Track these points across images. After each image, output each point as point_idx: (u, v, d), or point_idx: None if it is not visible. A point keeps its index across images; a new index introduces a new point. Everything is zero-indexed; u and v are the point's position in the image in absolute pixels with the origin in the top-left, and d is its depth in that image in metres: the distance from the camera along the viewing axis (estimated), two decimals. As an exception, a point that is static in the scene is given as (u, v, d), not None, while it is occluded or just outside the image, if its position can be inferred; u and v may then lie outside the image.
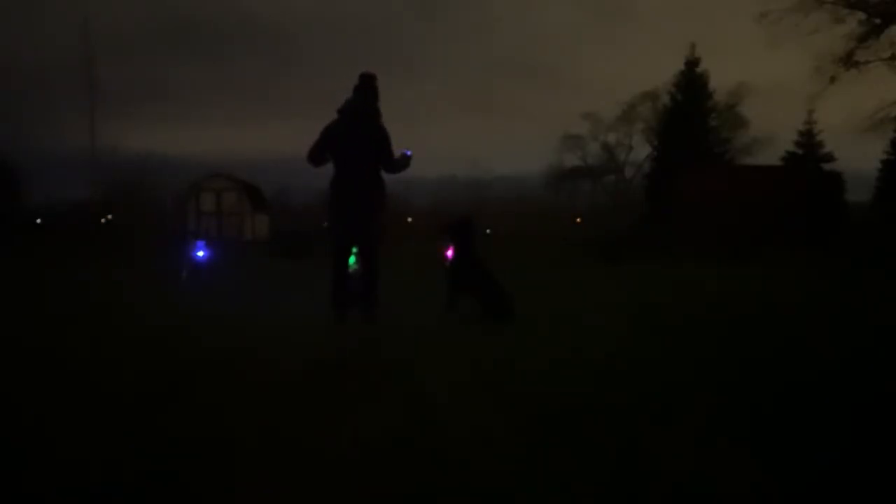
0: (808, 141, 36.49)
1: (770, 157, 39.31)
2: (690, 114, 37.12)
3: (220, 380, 3.52)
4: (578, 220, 43.67)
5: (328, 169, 5.42)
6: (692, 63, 37.95)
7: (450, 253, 5.76)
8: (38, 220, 35.44)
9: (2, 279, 10.87)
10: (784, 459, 2.35)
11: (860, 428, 2.74)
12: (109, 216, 37.57)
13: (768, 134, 39.35)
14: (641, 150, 44.30)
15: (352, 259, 5.59)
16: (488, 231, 37.83)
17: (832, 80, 21.68)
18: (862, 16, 21.11)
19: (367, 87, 5.31)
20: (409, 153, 5.41)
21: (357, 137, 5.26)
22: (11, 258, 15.95)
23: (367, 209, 5.31)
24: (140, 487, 2.11)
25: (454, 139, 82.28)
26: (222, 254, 11.15)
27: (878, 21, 21.05)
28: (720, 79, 50.04)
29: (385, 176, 5.45)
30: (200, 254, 9.88)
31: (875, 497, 2.12)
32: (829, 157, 35.52)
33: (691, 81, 37.93)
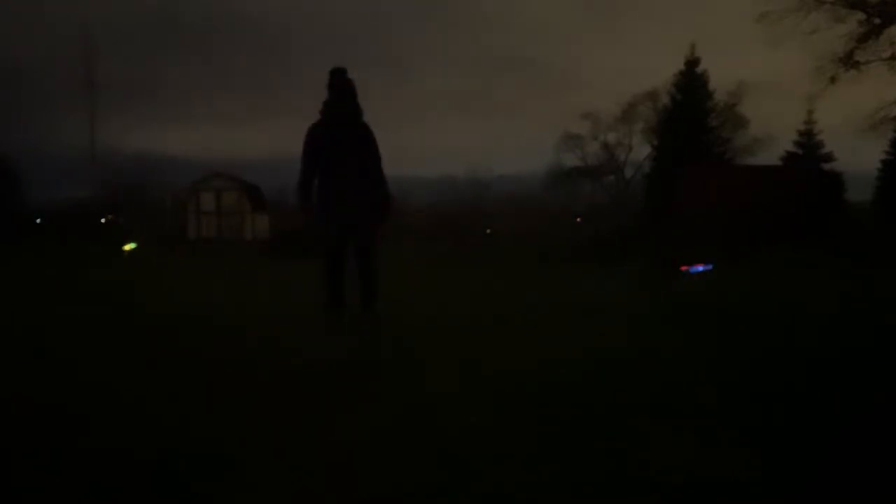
0: (808, 141, 36.45)
1: (770, 157, 39.26)
2: (690, 114, 37.08)
3: (219, 380, 3.52)
4: (578, 219, 43.61)
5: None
6: (692, 63, 37.92)
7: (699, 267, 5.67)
8: (38, 220, 35.42)
9: (1, 278, 10.87)
10: (784, 457, 2.35)
11: (861, 426, 2.74)
12: (109, 216, 37.57)
13: (768, 134, 39.31)
14: (641, 150, 44.27)
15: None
16: (489, 231, 37.77)
17: (832, 80, 21.68)
18: (862, 16, 21.10)
19: (343, 84, 5.18)
20: None
21: (344, 138, 5.20)
22: (11, 258, 15.94)
23: (361, 209, 5.25)
24: (138, 486, 2.12)
25: (454, 139, 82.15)
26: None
27: (878, 21, 21.03)
28: (720, 78, 49.94)
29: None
30: None
31: (876, 494, 2.12)
32: (829, 157, 35.50)
33: (691, 81, 37.89)
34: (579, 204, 46.10)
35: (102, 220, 36.13)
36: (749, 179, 26.39)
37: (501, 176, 48.59)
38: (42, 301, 7.53)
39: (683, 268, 9.77)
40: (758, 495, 2.08)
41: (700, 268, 10.01)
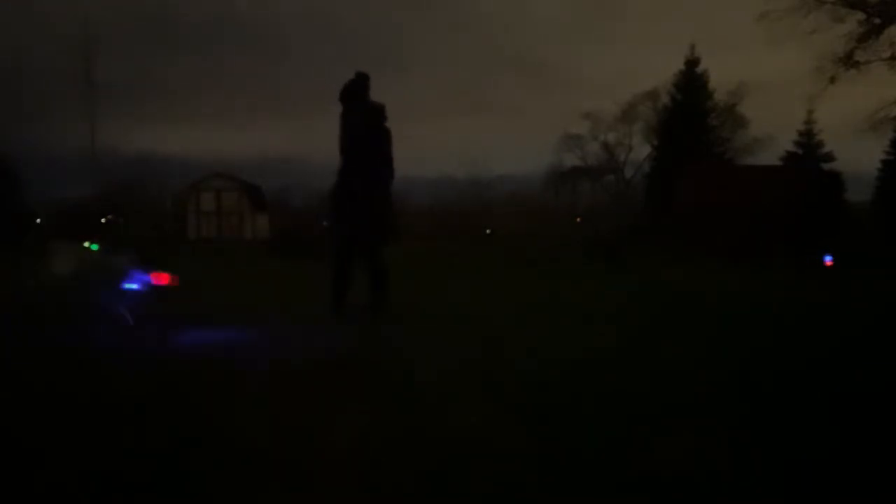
0: (808, 141, 36.51)
1: (770, 157, 39.34)
2: (690, 114, 37.11)
3: (218, 379, 3.52)
4: (578, 219, 43.65)
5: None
6: (692, 63, 37.97)
7: None
8: (38, 220, 35.46)
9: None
10: (784, 457, 2.36)
11: (860, 425, 2.74)
12: (109, 216, 37.62)
13: (768, 134, 39.36)
14: (641, 150, 44.32)
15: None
16: (488, 231, 37.80)
17: (832, 80, 21.69)
18: (862, 16, 21.11)
19: (351, 89, 5.25)
20: None
21: (358, 139, 5.23)
22: (12, 257, 15.93)
23: (373, 207, 5.25)
24: (137, 486, 2.12)
25: (454, 139, 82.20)
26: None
27: (877, 21, 21.03)
28: (720, 78, 49.94)
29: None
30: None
31: (873, 493, 2.12)
32: (829, 157, 35.55)
33: (691, 81, 37.93)
34: (579, 204, 46.16)
35: (102, 220, 36.16)
36: (749, 179, 26.38)
37: (501, 176, 48.68)
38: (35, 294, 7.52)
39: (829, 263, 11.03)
40: (758, 495, 2.08)
41: (828, 257, 10.95)
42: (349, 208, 5.24)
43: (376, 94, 5.33)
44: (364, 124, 5.25)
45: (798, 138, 36.63)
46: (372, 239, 5.29)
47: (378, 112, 5.30)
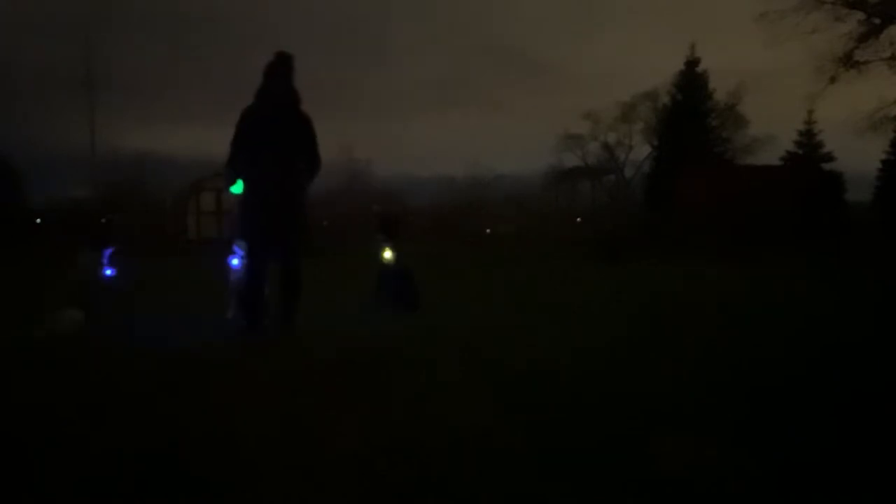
0: (808, 141, 36.48)
1: (770, 157, 39.26)
2: (690, 114, 37.08)
3: (218, 380, 3.53)
4: (578, 219, 43.61)
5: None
6: (692, 63, 37.94)
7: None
8: (39, 220, 35.44)
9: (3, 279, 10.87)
10: (783, 457, 2.36)
11: (854, 425, 2.75)
12: (109, 216, 37.58)
13: (768, 134, 39.32)
14: (641, 150, 44.26)
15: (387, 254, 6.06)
16: (488, 231, 37.78)
17: (832, 80, 21.67)
18: (862, 16, 21.10)
19: (288, 69, 4.77)
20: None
21: (283, 126, 4.75)
22: (13, 259, 15.93)
23: (293, 207, 4.81)
24: (138, 485, 2.12)
25: (453, 138, 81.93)
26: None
27: (877, 21, 21.03)
28: (720, 78, 49.80)
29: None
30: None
31: (873, 493, 2.13)
32: (829, 157, 35.53)
33: (691, 81, 37.89)
34: (579, 204, 46.09)
35: (102, 220, 36.13)
36: (749, 179, 26.38)
37: (501, 176, 48.58)
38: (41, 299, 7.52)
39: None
40: (757, 496, 2.09)
41: None
42: (263, 206, 4.74)
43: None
44: (272, 110, 4.73)
45: (798, 138, 36.59)
46: (289, 240, 4.81)
47: (287, 96, 4.76)
